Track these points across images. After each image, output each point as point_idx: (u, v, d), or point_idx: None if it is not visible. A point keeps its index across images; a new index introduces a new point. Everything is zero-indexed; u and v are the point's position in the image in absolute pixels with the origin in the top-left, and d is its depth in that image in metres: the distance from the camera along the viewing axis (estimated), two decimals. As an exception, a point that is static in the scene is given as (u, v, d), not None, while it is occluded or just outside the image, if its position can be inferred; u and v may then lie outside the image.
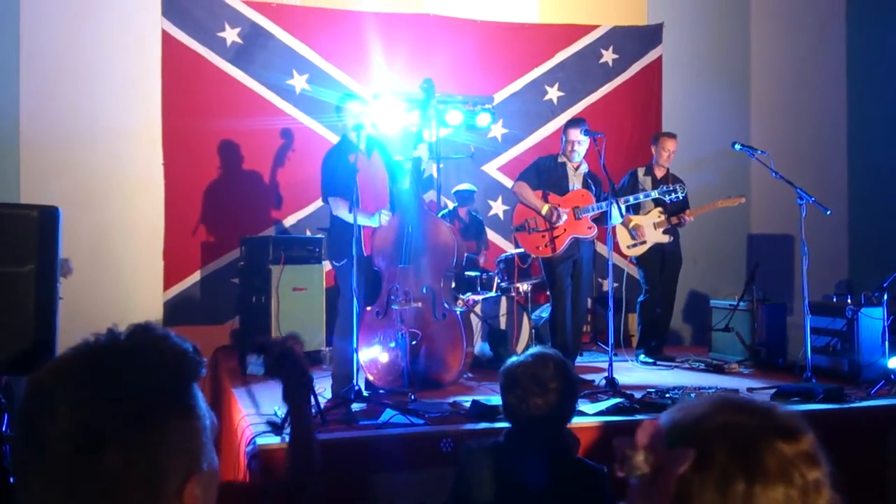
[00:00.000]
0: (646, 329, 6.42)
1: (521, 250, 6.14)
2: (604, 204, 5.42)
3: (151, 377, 0.97)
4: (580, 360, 6.05)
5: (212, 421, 1.03)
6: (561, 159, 5.66)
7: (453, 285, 5.89)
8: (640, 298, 6.45)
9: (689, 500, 0.95)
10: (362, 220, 4.88)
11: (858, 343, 5.42)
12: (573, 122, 5.71)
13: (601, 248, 6.15)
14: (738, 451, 0.96)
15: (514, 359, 2.61)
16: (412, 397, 4.47)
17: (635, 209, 6.37)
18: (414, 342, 4.94)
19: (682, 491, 0.95)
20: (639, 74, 8.19)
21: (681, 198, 5.99)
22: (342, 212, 4.82)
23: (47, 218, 3.52)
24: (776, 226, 8.05)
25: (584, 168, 5.69)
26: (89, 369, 0.96)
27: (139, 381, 0.96)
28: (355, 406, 4.32)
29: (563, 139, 5.66)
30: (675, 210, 6.32)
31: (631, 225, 6.29)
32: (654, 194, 5.96)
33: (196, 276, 6.97)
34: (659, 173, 6.38)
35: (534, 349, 2.67)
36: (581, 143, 5.56)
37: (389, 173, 5.16)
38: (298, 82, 7.30)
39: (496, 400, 4.30)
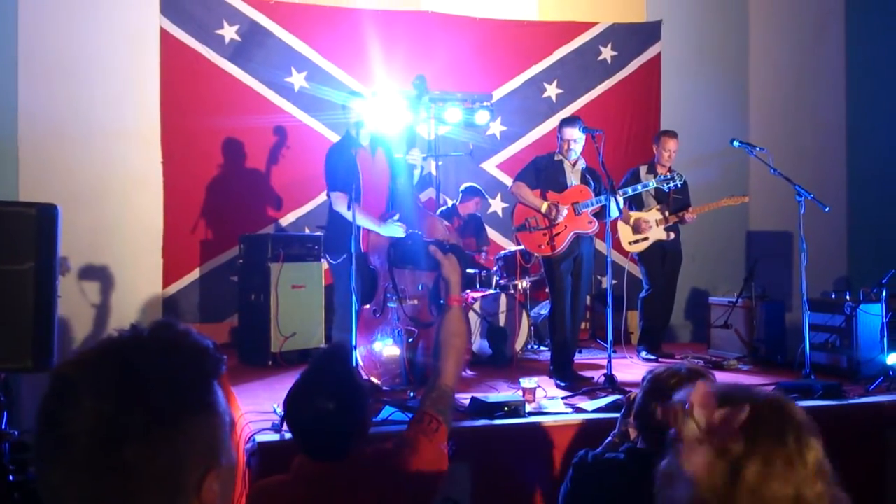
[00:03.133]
0: (647, 326, 6.43)
1: (523, 247, 6.14)
2: (602, 198, 5.42)
3: (174, 373, 0.98)
4: (579, 357, 6.06)
5: (230, 417, 1.05)
6: (557, 157, 5.65)
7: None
8: (642, 295, 6.46)
9: (751, 450, 1.10)
10: (365, 222, 4.87)
11: (857, 340, 5.44)
12: (568, 121, 5.67)
13: (601, 246, 6.15)
14: (779, 411, 1.14)
15: (664, 367, 2.45)
16: (411, 394, 4.48)
17: (637, 206, 6.37)
18: (411, 340, 4.94)
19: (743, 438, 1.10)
20: (638, 72, 8.19)
21: (679, 185, 5.99)
22: (342, 207, 4.82)
23: (46, 215, 3.52)
24: (775, 223, 8.06)
25: (582, 164, 5.67)
26: (113, 364, 0.97)
27: (162, 376, 0.97)
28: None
29: (559, 138, 5.64)
30: (676, 208, 6.33)
31: (632, 220, 6.29)
32: (653, 183, 5.95)
33: (195, 274, 6.97)
34: (661, 172, 6.36)
35: (686, 363, 2.50)
36: (577, 140, 5.53)
37: (392, 171, 5.17)
38: (297, 80, 7.29)
39: (495, 397, 4.31)
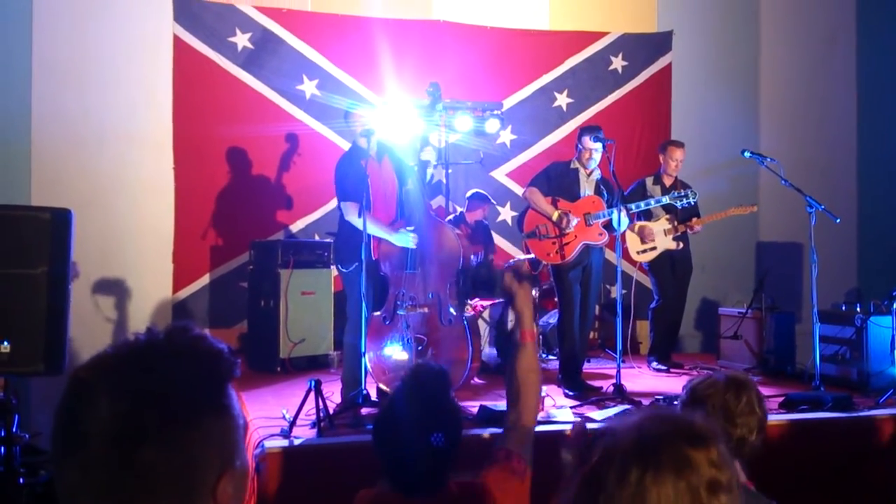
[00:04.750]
0: (658, 336, 6.41)
1: (533, 256, 6.13)
2: (614, 210, 5.40)
3: (189, 375, 1.00)
4: (588, 366, 6.05)
5: (244, 420, 1.07)
6: (574, 165, 5.62)
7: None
8: (653, 305, 6.44)
9: (598, 484, 1.07)
10: (377, 231, 4.87)
11: (867, 352, 5.41)
12: (588, 129, 5.64)
13: (610, 256, 6.14)
14: (640, 447, 1.08)
15: (703, 377, 2.34)
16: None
17: (646, 216, 6.36)
18: (420, 347, 4.94)
19: (592, 477, 1.09)
20: (648, 82, 8.19)
21: (692, 203, 5.97)
22: (354, 217, 4.81)
23: (60, 220, 3.54)
24: (785, 233, 8.04)
25: (597, 174, 5.65)
26: (130, 366, 0.99)
27: (178, 378, 0.99)
28: (364, 410, 4.33)
29: (579, 146, 5.58)
30: (684, 217, 6.32)
31: (637, 228, 6.27)
32: (666, 199, 5.94)
33: (205, 280, 6.99)
34: (668, 182, 6.38)
35: (729, 372, 2.34)
36: (597, 150, 5.50)
37: (399, 178, 5.17)
38: (308, 88, 7.32)
39: (504, 406, 4.31)
